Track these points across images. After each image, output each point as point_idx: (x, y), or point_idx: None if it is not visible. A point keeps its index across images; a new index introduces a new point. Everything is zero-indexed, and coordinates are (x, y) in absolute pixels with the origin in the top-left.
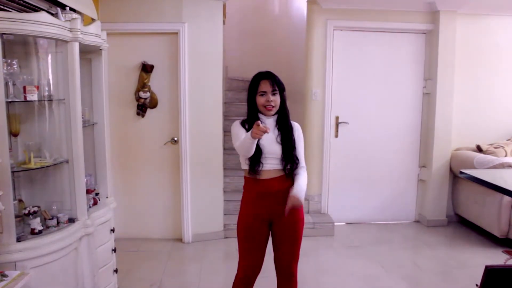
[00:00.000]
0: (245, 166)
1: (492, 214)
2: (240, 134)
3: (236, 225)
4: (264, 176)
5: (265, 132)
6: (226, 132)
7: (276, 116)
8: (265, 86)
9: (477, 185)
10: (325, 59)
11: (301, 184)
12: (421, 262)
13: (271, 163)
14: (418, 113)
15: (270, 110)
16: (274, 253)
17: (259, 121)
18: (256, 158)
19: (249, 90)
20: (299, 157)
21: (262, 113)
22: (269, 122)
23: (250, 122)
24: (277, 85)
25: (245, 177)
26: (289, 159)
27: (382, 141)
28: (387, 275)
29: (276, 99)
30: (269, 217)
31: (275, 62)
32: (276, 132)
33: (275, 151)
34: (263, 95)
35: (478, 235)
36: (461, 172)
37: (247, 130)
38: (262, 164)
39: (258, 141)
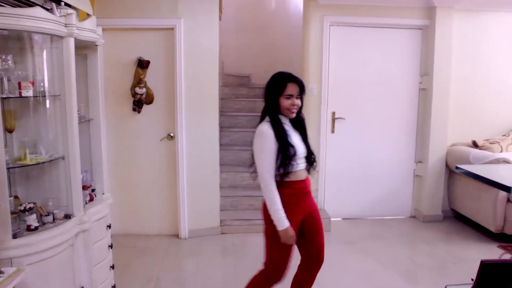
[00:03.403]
0: (276, 171)
1: (488, 209)
2: (271, 149)
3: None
4: (298, 177)
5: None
6: (222, 128)
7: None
8: (292, 89)
9: (473, 180)
10: (322, 54)
11: None
12: (417, 257)
13: (301, 163)
14: (414, 109)
15: (293, 113)
16: (305, 246)
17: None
18: (292, 159)
19: (273, 90)
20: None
21: (283, 115)
22: (287, 123)
23: (274, 125)
24: (303, 89)
25: (277, 182)
26: (313, 157)
27: (378, 137)
28: (383, 270)
29: (299, 103)
30: (303, 217)
31: (272, 57)
32: (297, 132)
33: (303, 150)
34: (289, 98)
35: (474, 230)
36: (457, 167)
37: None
38: (298, 164)
39: (292, 141)
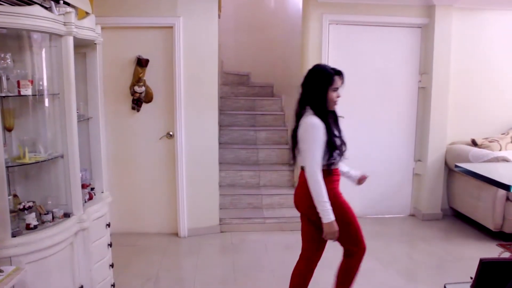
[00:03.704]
0: (324, 161)
1: (487, 207)
2: (322, 141)
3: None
4: (336, 165)
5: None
6: (222, 126)
7: None
8: (338, 81)
9: (472, 179)
10: (321, 53)
11: None
12: (416, 255)
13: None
14: (413, 107)
15: (336, 105)
16: None
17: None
18: (339, 150)
19: (321, 83)
20: None
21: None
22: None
23: (324, 117)
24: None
25: (324, 171)
26: (345, 146)
27: (378, 135)
28: (383, 269)
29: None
30: None
31: (271, 56)
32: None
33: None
34: (335, 91)
35: (473, 229)
36: (456, 166)
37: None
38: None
39: (340, 134)
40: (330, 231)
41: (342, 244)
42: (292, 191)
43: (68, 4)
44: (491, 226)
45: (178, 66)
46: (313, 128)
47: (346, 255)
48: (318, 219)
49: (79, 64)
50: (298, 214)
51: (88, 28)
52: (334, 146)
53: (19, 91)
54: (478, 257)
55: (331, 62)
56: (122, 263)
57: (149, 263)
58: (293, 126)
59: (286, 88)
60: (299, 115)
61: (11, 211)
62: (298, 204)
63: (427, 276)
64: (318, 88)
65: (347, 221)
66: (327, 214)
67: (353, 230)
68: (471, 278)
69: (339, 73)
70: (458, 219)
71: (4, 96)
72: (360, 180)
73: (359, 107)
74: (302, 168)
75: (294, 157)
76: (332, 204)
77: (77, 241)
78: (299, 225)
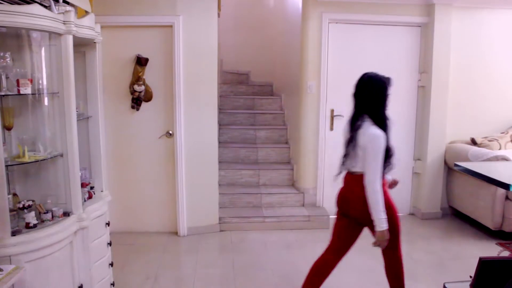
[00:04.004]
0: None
1: (486, 206)
2: (383, 151)
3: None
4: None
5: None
6: (221, 125)
7: None
8: (390, 89)
9: (472, 177)
10: (320, 52)
11: None
12: (415, 254)
13: None
14: (413, 106)
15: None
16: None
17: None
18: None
19: (381, 92)
20: None
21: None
22: None
23: (384, 126)
24: None
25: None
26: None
27: None
28: (382, 268)
29: None
30: None
31: (270, 55)
32: None
33: None
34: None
35: (472, 228)
36: (456, 165)
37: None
38: None
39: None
40: (383, 239)
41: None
42: (292, 190)
43: (67, 2)
44: (490, 225)
45: (178, 65)
46: (378, 139)
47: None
48: (369, 223)
49: (78, 63)
50: (297, 213)
51: (88, 27)
52: (390, 155)
53: (18, 90)
54: (478, 256)
55: (331, 61)
56: (122, 262)
57: (149, 262)
58: (349, 136)
59: (285, 87)
60: (356, 125)
61: (11, 210)
62: (348, 208)
63: (426, 275)
64: (377, 97)
65: (394, 230)
66: (382, 223)
67: (397, 238)
68: (471, 276)
69: (389, 80)
70: (458, 218)
71: (3, 95)
72: (391, 185)
73: None
74: (352, 173)
75: (343, 164)
76: (386, 213)
77: (76, 240)
78: (298, 224)
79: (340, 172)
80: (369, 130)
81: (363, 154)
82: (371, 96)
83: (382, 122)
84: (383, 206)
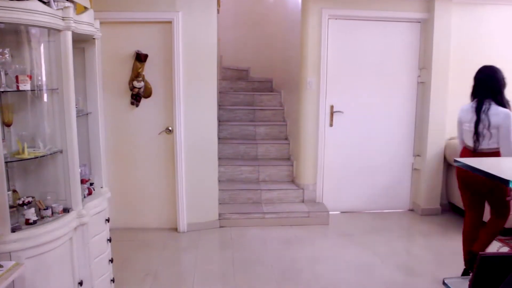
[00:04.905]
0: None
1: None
2: None
3: None
4: None
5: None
6: (221, 121)
7: None
8: None
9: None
10: (320, 48)
11: None
12: (415, 250)
13: None
14: (412, 102)
15: None
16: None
17: None
18: None
19: (503, 80)
20: None
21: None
22: None
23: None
24: None
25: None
26: None
27: (377, 130)
28: (382, 264)
29: None
30: None
31: (270, 51)
32: None
33: None
34: None
35: None
36: (455, 161)
37: None
38: None
39: None
40: None
41: (497, 207)
42: (291, 186)
43: None
44: None
45: (177, 61)
46: (511, 116)
47: (497, 215)
48: (499, 191)
49: (77, 59)
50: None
51: (87, 23)
52: None
53: (17, 86)
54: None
55: (330, 57)
56: (122, 258)
57: (149, 258)
58: (476, 118)
59: (285, 83)
60: (484, 108)
61: (11, 207)
62: (481, 184)
63: (425, 271)
64: (502, 84)
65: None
66: None
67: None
68: (470, 272)
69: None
70: (457, 214)
71: (2, 91)
72: None
73: (358, 101)
74: (487, 151)
75: (477, 141)
76: None
77: (76, 236)
78: (297, 220)
79: (475, 150)
80: (501, 110)
81: (497, 131)
82: (496, 83)
83: (506, 104)
84: None
